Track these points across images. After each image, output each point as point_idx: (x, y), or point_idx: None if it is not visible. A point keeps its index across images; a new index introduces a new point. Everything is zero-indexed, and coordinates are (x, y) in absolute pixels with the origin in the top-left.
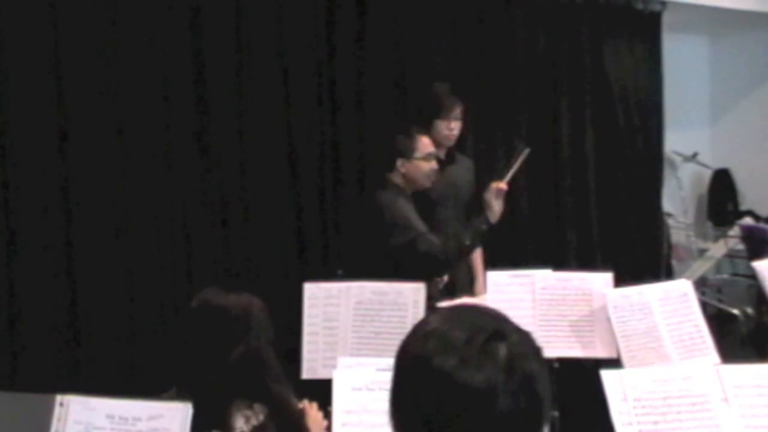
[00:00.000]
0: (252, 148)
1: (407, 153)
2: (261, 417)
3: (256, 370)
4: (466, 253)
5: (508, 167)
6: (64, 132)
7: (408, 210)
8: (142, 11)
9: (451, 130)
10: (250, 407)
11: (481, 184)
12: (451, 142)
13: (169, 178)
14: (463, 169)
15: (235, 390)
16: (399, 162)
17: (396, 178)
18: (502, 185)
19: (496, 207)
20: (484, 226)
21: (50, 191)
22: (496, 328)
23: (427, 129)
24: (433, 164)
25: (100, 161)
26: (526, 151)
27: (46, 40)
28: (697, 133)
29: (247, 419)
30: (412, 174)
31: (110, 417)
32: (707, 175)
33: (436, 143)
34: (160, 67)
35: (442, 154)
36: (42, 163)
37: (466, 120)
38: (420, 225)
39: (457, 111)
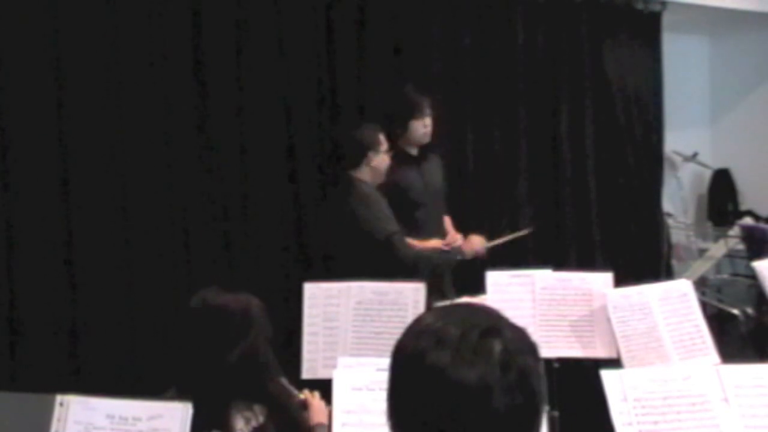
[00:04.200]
0: (252, 148)
1: (375, 147)
2: (261, 418)
3: (255, 369)
4: (434, 271)
5: (501, 235)
6: (64, 132)
7: (383, 205)
8: (142, 10)
9: (426, 127)
10: (250, 408)
11: (478, 183)
12: (427, 139)
13: (169, 178)
14: (436, 166)
15: (235, 390)
16: (371, 155)
17: (362, 174)
18: (482, 250)
19: (468, 255)
20: (456, 256)
21: (50, 191)
22: (491, 324)
23: (403, 131)
24: (388, 158)
25: (100, 161)
26: (526, 231)
27: (47, 40)
28: (697, 133)
29: (247, 420)
30: (380, 167)
31: (110, 417)
32: (707, 175)
33: (413, 143)
34: (161, 67)
35: (415, 152)
36: (42, 163)
37: (436, 114)
38: (394, 223)
39: (428, 108)
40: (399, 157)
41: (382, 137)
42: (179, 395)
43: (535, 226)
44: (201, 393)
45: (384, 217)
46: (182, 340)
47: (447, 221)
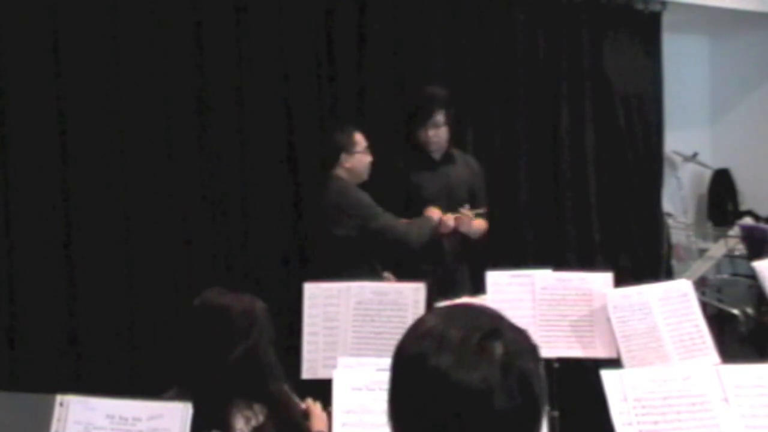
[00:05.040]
0: (252, 148)
1: (348, 148)
2: (261, 418)
3: (256, 370)
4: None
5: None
6: (64, 132)
7: (362, 193)
8: (142, 10)
9: (429, 137)
10: (250, 408)
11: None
12: (436, 147)
13: (169, 178)
14: (462, 168)
15: (235, 390)
16: (343, 157)
17: (340, 173)
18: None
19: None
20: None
21: (50, 191)
22: (492, 326)
23: (413, 133)
24: (369, 157)
25: (100, 161)
26: (483, 210)
27: (47, 40)
28: (697, 133)
29: (247, 420)
30: (356, 167)
31: (110, 417)
32: (707, 175)
33: (424, 145)
34: (161, 67)
35: (437, 156)
36: (42, 163)
37: (452, 123)
38: (375, 205)
39: (438, 118)
40: (416, 157)
41: (357, 138)
42: (180, 395)
43: (488, 206)
44: (201, 392)
45: (365, 202)
46: (183, 339)
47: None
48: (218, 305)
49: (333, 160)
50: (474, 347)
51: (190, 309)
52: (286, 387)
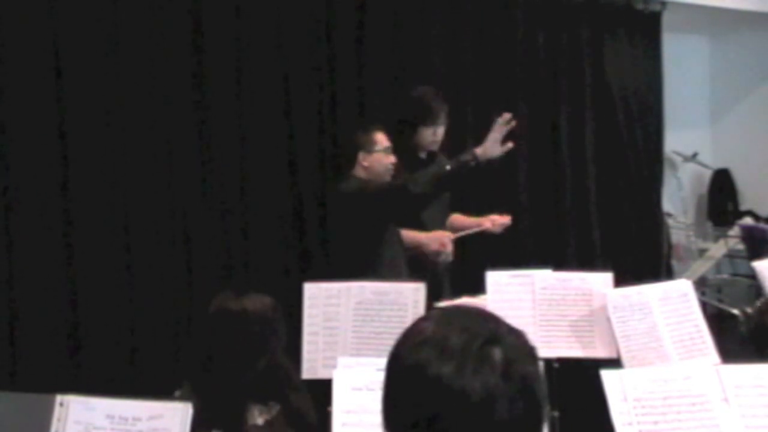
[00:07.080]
0: (252, 148)
1: (368, 147)
2: (273, 412)
3: (275, 377)
4: (445, 179)
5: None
6: (64, 132)
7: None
8: (143, 12)
9: (435, 136)
10: (265, 403)
11: (477, 184)
12: (435, 147)
13: (169, 179)
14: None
15: (255, 396)
16: (361, 156)
17: (358, 172)
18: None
19: (493, 149)
20: (469, 157)
21: (50, 191)
22: (491, 332)
23: (412, 135)
24: (391, 158)
25: (100, 161)
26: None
27: (47, 40)
28: (697, 133)
29: (260, 413)
30: (375, 167)
31: (110, 417)
32: (707, 175)
33: (420, 147)
34: (161, 67)
35: (423, 155)
36: (42, 163)
37: (450, 121)
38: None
39: (443, 116)
40: (407, 159)
41: (378, 137)
42: (191, 392)
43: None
44: (218, 396)
45: (380, 182)
46: (201, 346)
47: (458, 218)
48: (236, 311)
49: (351, 159)
50: (474, 355)
51: (207, 315)
52: (303, 394)
